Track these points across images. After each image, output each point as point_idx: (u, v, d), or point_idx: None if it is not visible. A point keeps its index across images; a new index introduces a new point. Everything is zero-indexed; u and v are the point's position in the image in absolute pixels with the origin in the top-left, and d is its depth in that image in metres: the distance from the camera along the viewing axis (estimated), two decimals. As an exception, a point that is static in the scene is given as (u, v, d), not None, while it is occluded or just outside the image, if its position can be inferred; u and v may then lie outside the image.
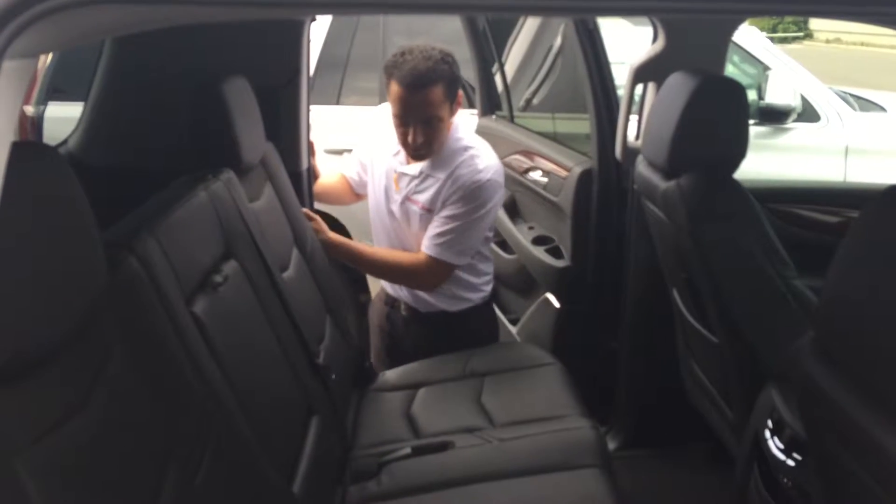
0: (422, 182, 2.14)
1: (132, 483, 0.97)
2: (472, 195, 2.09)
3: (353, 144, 2.47)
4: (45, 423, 0.83)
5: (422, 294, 2.25)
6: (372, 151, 2.28)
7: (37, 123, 3.33)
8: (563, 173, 2.52)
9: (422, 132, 2.03)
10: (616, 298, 2.45)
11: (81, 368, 0.92)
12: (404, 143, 2.08)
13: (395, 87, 2.00)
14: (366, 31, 3.79)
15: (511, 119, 3.27)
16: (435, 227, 2.12)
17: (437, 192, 2.11)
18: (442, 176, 2.11)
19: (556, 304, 2.55)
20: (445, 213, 2.11)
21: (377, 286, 2.57)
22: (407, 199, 2.17)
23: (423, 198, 2.13)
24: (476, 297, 2.30)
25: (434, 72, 1.98)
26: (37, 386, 0.83)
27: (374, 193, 2.27)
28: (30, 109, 3.38)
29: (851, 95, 4.29)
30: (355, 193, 2.44)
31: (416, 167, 2.14)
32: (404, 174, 2.16)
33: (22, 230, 0.80)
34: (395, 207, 2.20)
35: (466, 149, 2.13)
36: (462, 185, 2.08)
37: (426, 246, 2.13)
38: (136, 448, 1.00)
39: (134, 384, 1.02)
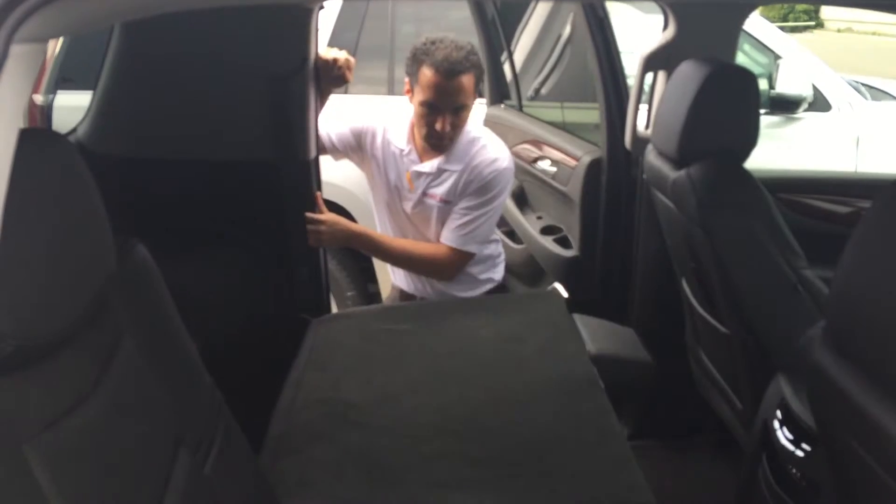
0: (437, 177, 2.14)
1: (143, 469, 0.97)
2: (489, 185, 2.11)
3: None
4: (55, 410, 0.84)
5: (441, 286, 2.26)
6: (378, 142, 2.25)
7: (46, 112, 3.34)
8: (572, 163, 2.51)
9: (450, 121, 2.04)
10: (624, 288, 2.44)
11: (91, 355, 0.92)
12: (430, 132, 2.07)
13: (428, 73, 2.00)
14: (374, 19, 3.77)
15: (520, 108, 3.26)
16: (455, 219, 2.13)
17: (455, 184, 2.13)
18: (458, 168, 2.12)
19: (564, 294, 2.54)
20: (464, 204, 2.12)
21: (386, 279, 2.56)
22: (424, 195, 2.17)
23: (440, 190, 2.14)
24: (495, 276, 2.34)
25: (467, 60, 2.01)
26: (47, 373, 0.83)
27: (384, 192, 2.25)
28: (39, 98, 3.38)
29: (863, 85, 4.26)
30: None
31: (433, 164, 2.14)
32: (420, 173, 2.16)
33: (31, 217, 0.80)
34: (410, 206, 2.20)
35: (477, 139, 2.15)
36: (479, 175, 2.11)
37: (448, 238, 2.14)
38: (147, 434, 1.00)
39: (143, 370, 1.02)
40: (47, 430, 0.82)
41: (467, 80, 2.02)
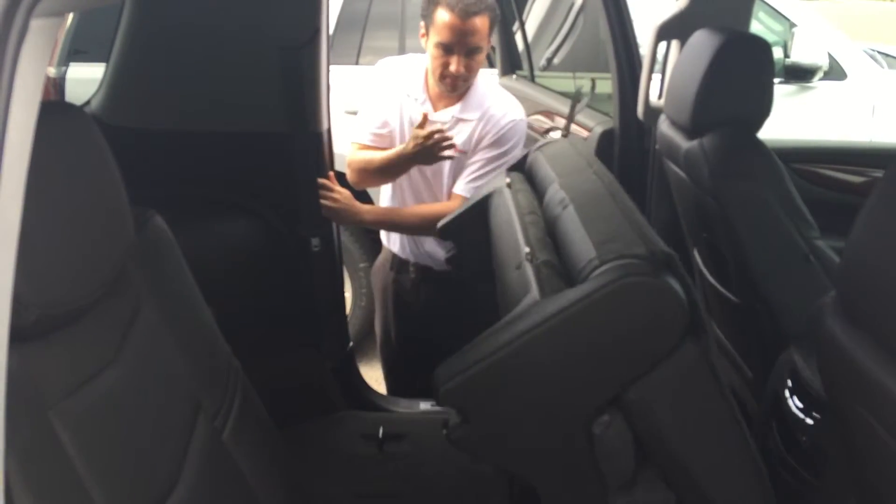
0: (452, 127, 2.13)
1: (164, 434, 0.99)
2: (506, 136, 2.10)
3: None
4: (78, 377, 0.86)
5: (436, 254, 2.25)
6: (389, 105, 2.22)
7: (59, 85, 3.35)
8: (585, 133, 2.50)
9: (464, 62, 2.04)
10: (636, 259, 2.44)
11: (112, 324, 0.94)
12: (443, 74, 2.07)
13: (443, 14, 2.00)
14: (384, -11, 3.75)
15: (532, 79, 3.24)
16: (470, 170, 2.12)
17: (471, 133, 2.11)
18: (474, 118, 2.11)
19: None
20: (480, 156, 2.11)
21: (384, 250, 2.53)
22: None
23: (456, 141, 2.11)
24: None
25: (482, 2, 2.00)
26: (69, 341, 0.85)
27: (395, 144, 2.20)
28: (51, 71, 3.39)
29: (880, 53, 4.20)
30: None
31: (447, 113, 2.12)
32: (434, 122, 2.15)
33: (52, 189, 0.82)
34: None
35: (490, 92, 2.15)
36: (495, 125, 2.10)
37: (463, 189, 2.12)
38: (167, 401, 1.02)
39: (162, 339, 1.04)
40: (70, 396, 0.84)
41: (481, 21, 2.01)
